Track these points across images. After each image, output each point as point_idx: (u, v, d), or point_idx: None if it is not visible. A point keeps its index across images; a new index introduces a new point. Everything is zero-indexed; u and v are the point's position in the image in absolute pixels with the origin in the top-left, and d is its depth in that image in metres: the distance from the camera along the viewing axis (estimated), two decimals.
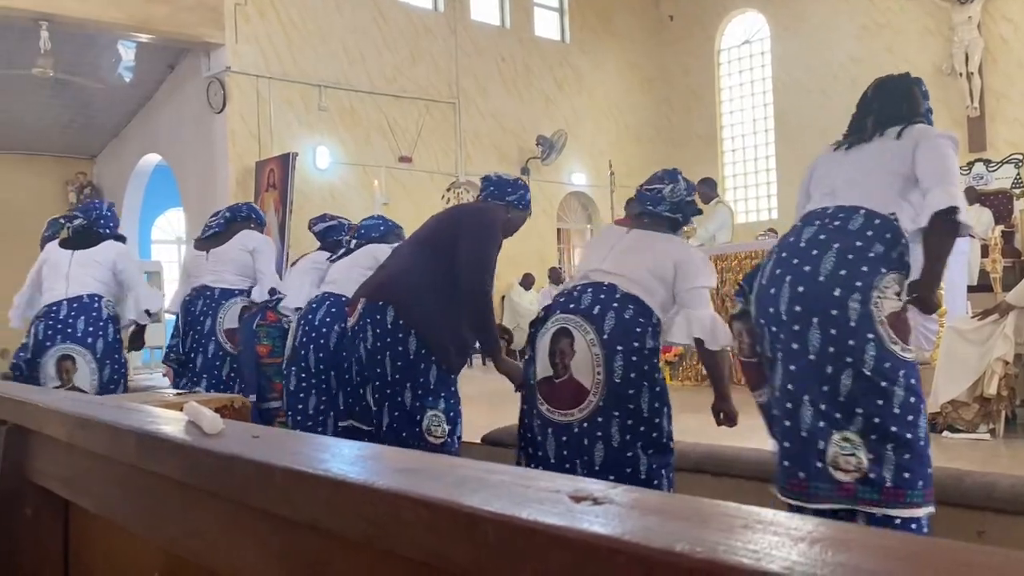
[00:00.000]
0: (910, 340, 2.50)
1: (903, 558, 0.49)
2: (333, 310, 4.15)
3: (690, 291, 2.94)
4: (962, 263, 6.17)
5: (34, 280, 4.72)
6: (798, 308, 2.52)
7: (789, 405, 2.56)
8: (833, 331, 2.46)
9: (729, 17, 14.92)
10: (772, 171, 14.39)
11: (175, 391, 3.77)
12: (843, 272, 2.47)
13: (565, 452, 2.87)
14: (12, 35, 9.77)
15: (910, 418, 2.46)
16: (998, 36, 11.91)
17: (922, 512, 2.45)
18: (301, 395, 4.18)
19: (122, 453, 1.21)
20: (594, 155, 13.96)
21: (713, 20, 14.98)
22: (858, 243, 2.50)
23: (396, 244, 4.12)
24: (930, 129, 2.66)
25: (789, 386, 2.56)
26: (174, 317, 5.06)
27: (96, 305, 4.52)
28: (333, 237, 4.72)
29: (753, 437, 3.95)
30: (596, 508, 0.61)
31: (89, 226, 4.72)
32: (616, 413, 2.79)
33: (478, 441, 4.34)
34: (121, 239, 4.86)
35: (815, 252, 2.54)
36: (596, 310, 2.85)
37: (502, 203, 3.55)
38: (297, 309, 4.43)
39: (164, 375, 5.94)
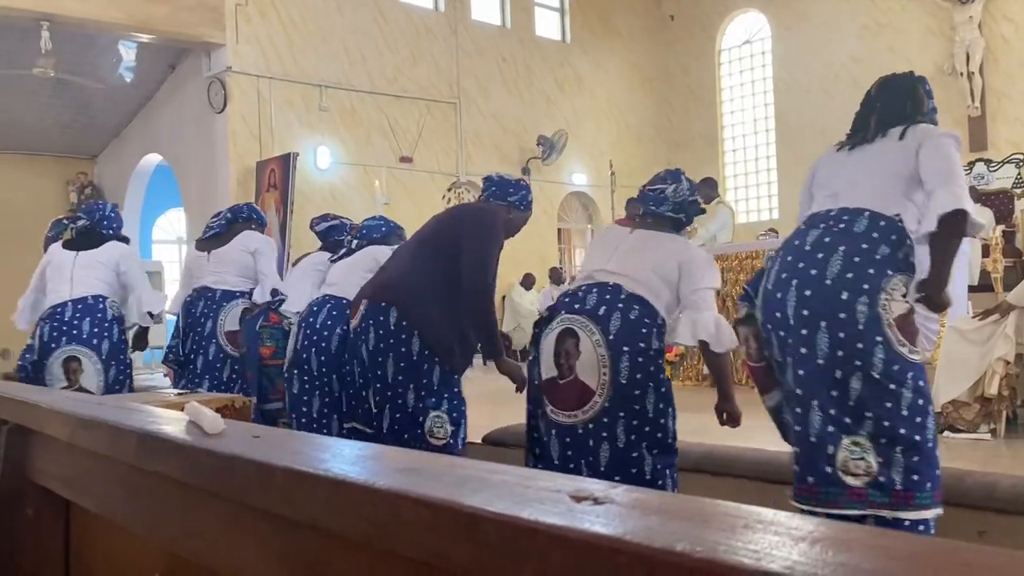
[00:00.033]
0: (916, 342, 2.50)
1: (904, 558, 0.49)
2: (334, 313, 4.13)
3: (694, 292, 2.93)
4: (963, 263, 6.16)
5: (38, 282, 4.72)
6: (805, 312, 2.51)
7: (799, 410, 2.55)
8: (841, 334, 2.45)
9: (730, 17, 14.92)
10: (773, 171, 14.39)
11: (176, 391, 3.77)
12: (850, 275, 2.46)
13: (569, 453, 2.86)
14: (13, 35, 9.78)
15: (918, 420, 2.45)
16: (999, 36, 11.91)
17: (930, 514, 2.45)
18: (304, 398, 4.16)
19: (123, 453, 1.21)
20: (595, 155, 13.96)
21: (714, 20, 14.98)
22: (864, 245, 2.49)
23: (396, 246, 4.10)
24: (933, 129, 2.64)
25: (798, 391, 2.55)
26: (175, 318, 5.06)
27: (101, 306, 4.52)
28: (335, 237, 4.71)
29: (754, 437, 3.95)
30: (597, 508, 0.61)
31: (92, 227, 4.73)
32: (622, 414, 2.78)
33: (479, 441, 4.34)
34: (124, 240, 4.86)
35: (821, 255, 2.52)
36: (602, 311, 2.84)
37: (504, 203, 3.54)
38: (298, 312, 4.42)
39: (165, 375, 5.94)
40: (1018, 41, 11.76)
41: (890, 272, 2.46)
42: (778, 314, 2.59)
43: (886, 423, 2.43)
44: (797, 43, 13.81)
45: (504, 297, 11.85)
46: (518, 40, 13.48)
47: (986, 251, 8.44)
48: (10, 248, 11.74)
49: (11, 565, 1.64)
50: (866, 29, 12.99)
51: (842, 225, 2.55)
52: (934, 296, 2.48)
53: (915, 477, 2.43)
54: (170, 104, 11.61)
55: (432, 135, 12.22)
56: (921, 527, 2.45)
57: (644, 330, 2.83)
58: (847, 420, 2.46)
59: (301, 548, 0.87)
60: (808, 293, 2.51)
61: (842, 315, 2.44)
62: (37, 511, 1.64)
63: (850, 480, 2.44)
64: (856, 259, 2.47)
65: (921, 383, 2.48)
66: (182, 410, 1.20)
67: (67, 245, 4.69)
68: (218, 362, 4.71)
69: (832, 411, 2.47)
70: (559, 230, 14.10)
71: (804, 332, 2.51)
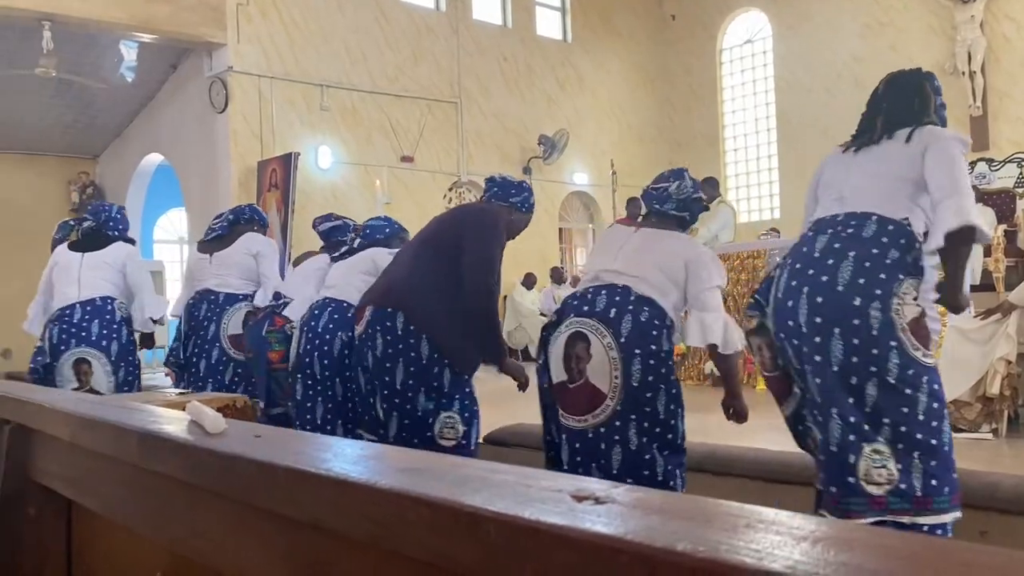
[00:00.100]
0: (930, 345, 2.48)
1: (905, 558, 0.49)
2: (335, 316, 4.11)
3: (702, 292, 2.91)
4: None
5: (46, 286, 4.72)
6: (818, 319, 2.48)
7: (820, 418, 2.54)
8: (856, 341, 2.43)
9: (731, 16, 14.91)
10: (774, 171, 14.38)
11: (178, 391, 3.77)
12: (861, 280, 2.44)
13: (578, 458, 2.84)
14: (14, 35, 9.78)
15: (934, 424, 2.44)
16: (1001, 35, 11.90)
17: (948, 518, 2.44)
18: (308, 404, 4.12)
19: (125, 453, 1.21)
20: (596, 155, 13.95)
21: (715, 19, 14.98)
22: (874, 250, 2.47)
23: (397, 249, 4.07)
24: (940, 132, 2.60)
25: (817, 399, 2.53)
26: (177, 319, 5.05)
27: (109, 307, 4.53)
28: (337, 237, 4.69)
29: (756, 437, 3.95)
30: (598, 508, 0.61)
31: (98, 228, 4.73)
32: (633, 416, 2.77)
33: (480, 441, 4.34)
34: (131, 242, 4.86)
35: (831, 261, 2.50)
36: (612, 313, 2.82)
37: (505, 204, 3.53)
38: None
39: (167, 375, 5.95)
40: (1020, 40, 11.75)
41: (901, 276, 2.44)
42: (790, 323, 2.56)
43: (903, 428, 2.42)
44: (798, 42, 13.81)
45: (506, 297, 11.84)
46: (519, 40, 13.48)
47: (988, 251, 8.43)
48: (12, 248, 11.76)
49: (13, 565, 1.64)
50: (867, 28, 12.98)
51: (850, 230, 2.53)
52: (951, 301, 2.49)
53: (933, 482, 2.42)
54: (171, 104, 11.61)
55: (433, 135, 12.22)
56: (939, 531, 2.43)
57: (655, 332, 2.82)
58: (865, 427, 2.44)
59: (304, 548, 0.87)
60: (820, 300, 2.48)
61: (855, 321, 2.42)
62: (39, 511, 1.64)
63: (873, 489, 2.42)
64: (867, 264, 2.45)
65: (936, 386, 2.46)
66: (184, 410, 1.20)
67: (73, 246, 4.69)
68: (221, 365, 4.71)
69: (851, 419, 2.44)
70: (560, 230, 14.09)
71: (818, 340, 2.49)
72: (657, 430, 2.80)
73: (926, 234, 2.53)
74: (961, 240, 2.42)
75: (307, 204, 10.17)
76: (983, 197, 10.03)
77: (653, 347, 2.80)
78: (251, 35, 10.60)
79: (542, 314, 11.40)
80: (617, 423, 2.78)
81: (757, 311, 2.76)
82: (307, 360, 4.11)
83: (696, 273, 2.92)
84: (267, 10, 10.77)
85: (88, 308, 4.47)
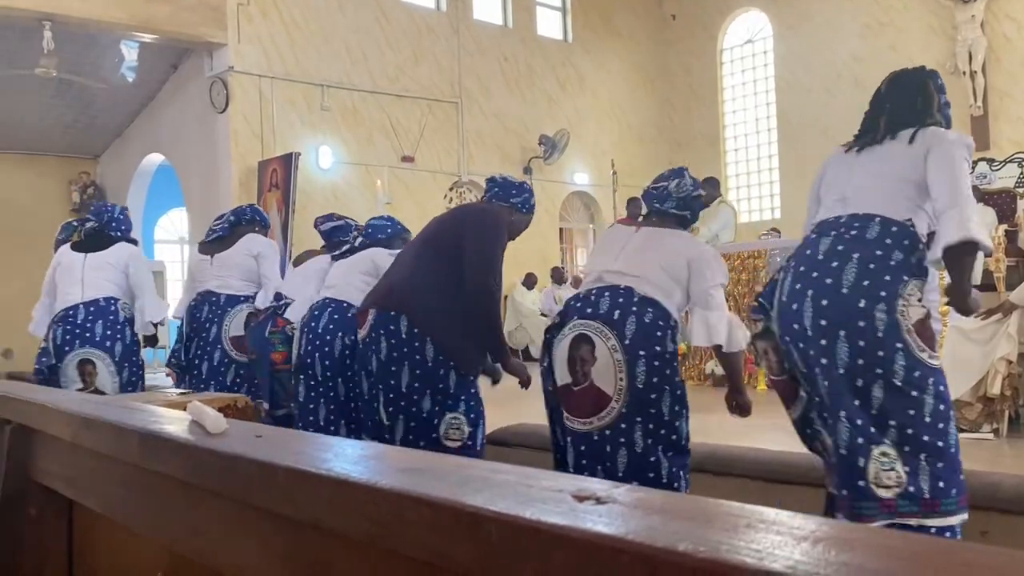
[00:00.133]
0: (935, 346, 2.47)
1: (905, 558, 0.49)
2: (335, 317, 4.10)
3: (705, 291, 2.91)
4: None
5: (49, 287, 4.72)
6: (823, 322, 2.47)
7: (830, 421, 2.53)
8: (861, 343, 2.41)
9: (732, 16, 14.91)
10: (775, 171, 14.38)
11: (179, 391, 3.77)
12: (866, 282, 2.42)
13: (584, 461, 2.84)
14: (15, 35, 9.79)
15: (941, 426, 2.43)
16: (1001, 35, 11.89)
17: (956, 520, 2.43)
18: (311, 405, 4.11)
19: (126, 453, 1.21)
20: (596, 155, 13.96)
21: (716, 19, 14.98)
22: (878, 252, 2.45)
23: (397, 250, 4.06)
24: (943, 134, 2.57)
25: (826, 401, 2.52)
26: (179, 320, 5.05)
27: (113, 308, 4.53)
28: (338, 237, 4.69)
29: (756, 437, 3.95)
30: (599, 508, 0.61)
31: (101, 228, 4.72)
32: (639, 419, 2.76)
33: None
34: (133, 242, 4.86)
35: (835, 264, 2.49)
36: (616, 315, 2.81)
37: (506, 205, 3.53)
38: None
39: (167, 375, 5.95)
40: (1020, 40, 11.75)
41: (906, 278, 2.43)
42: (795, 326, 2.55)
43: (910, 431, 2.41)
44: (799, 42, 13.81)
45: (506, 297, 11.84)
46: (520, 40, 13.48)
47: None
48: (12, 248, 11.77)
49: (14, 564, 1.64)
50: (868, 28, 12.98)
51: (854, 232, 2.52)
52: (960, 306, 2.51)
53: (941, 484, 2.41)
54: (172, 104, 11.62)
55: (434, 135, 12.22)
56: (947, 534, 2.42)
57: (659, 333, 2.81)
58: (872, 429, 2.43)
59: (303, 547, 0.88)
60: (825, 303, 2.47)
61: (861, 323, 2.41)
62: (40, 511, 1.64)
63: (882, 493, 2.41)
64: (871, 266, 2.44)
65: (942, 388, 2.45)
66: (185, 410, 1.20)
67: (76, 247, 4.69)
68: (223, 367, 4.71)
69: (858, 421, 2.43)
70: (561, 230, 14.10)
71: (823, 343, 2.47)
72: (662, 432, 2.79)
73: (931, 236, 2.52)
74: (963, 253, 2.41)
75: (308, 204, 10.17)
76: (984, 197, 10.02)
77: (657, 348, 2.79)
78: (252, 35, 10.61)
79: (543, 314, 11.40)
80: (622, 425, 2.77)
81: (762, 314, 2.75)
82: (308, 361, 4.11)
83: (699, 271, 2.91)
84: (268, 10, 10.77)
85: (92, 309, 4.47)
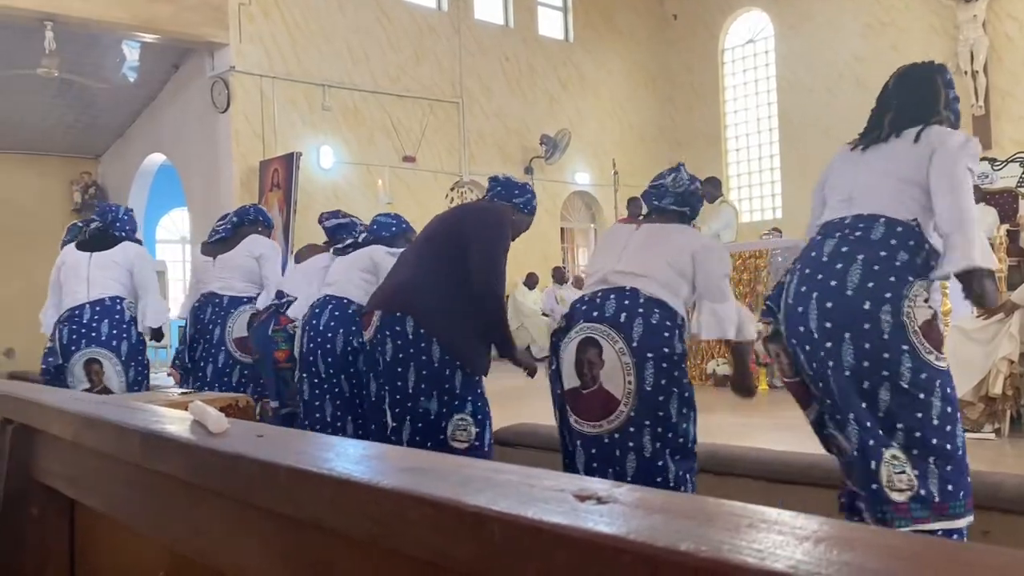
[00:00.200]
0: (942, 348, 2.46)
1: (906, 557, 0.49)
2: (336, 313, 4.10)
3: (712, 283, 2.90)
4: None
5: (55, 286, 4.72)
6: (828, 324, 2.46)
7: (841, 423, 2.52)
8: (866, 345, 2.40)
9: (733, 16, 14.91)
10: (776, 170, 14.38)
11: (180, 390, 3.77)
12: (871, 284, 2.41)
13: (595, 465, 2.83)
14: (16, 35, 9.79)
15: (948, 428, 2.42)
16: (1003, 34, 11.89)
17: (963, 523, 2.43)
18: (317, 403, 4.11)
19: (127, 452, 1.22)
20: (598, 154, 13.96)
21: (717, 19, 14.97)
22: (883, 253, 2.44)
23: (398, 249, 4.06)
24: (948, 138, 2.52)
25: (838, 403, 2.51)
26: (183, 321, 5.06)
27: (118, 308, 4.54)
28: (342, 235, 4.69)
29: (757, 437, 3.95)
30: (601, 507, 0.61)
31: (105, 228, 4.73)
32: (647, 422, 2.75)
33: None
34: (138, 243, 4.87)
35: (840, 265, 2.47)
36: (623, 317, 2.79)
37: (508, 204, 3.53)
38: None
39: (169, 375, 5.95)
40: (1022, 39, 11.74)
41: (911, 278, 2.41)
42: (801, 328, 2.54)
43: (917, 434, 2.39)
44: (800, 42, 13.80)
45: (508, 297, 11.84)
46: (521, 39, 13.48)
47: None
48: (13, 248, 11.78)
49: (16, 564, 1.64)
50: (869, 28, 12.97)
51: (858, 233, 2.50)
52: (977, 303, 2.51)
53: (950, 487, 2.40)
54: (173, 104, 11.63)
55: (435, 134, 12.22)
56: (955, 536, 2.41)
57: (667, 334, 2.79)
58: (880, 432, 2.42)
59: (305, 547, 0.88)
60: (829, 305, 2.46)
61: (866, 326, 2.39)
62: (42, 510, 1.65)
63: (896, 496, 2.39)
64: (876, 267, 2.42)
65: (949, 390, 2.44)
66: (186, 409, 1.20)
67: (80, 246, 4.69)
68: (227, 367, 4.73)
69: (867, 423, 2.42)
70: (562, 229, 14.10)
71: (829, 345, 2.46)
72: (670, 435, 2.78)
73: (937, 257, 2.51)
74: (970, 277, 2.41)
75: (309, 204, 10.18)
76: (985, 197, 10.02)
77: (666, 350, 2.77)
78: (253, 35, 10.61)
79: (544, 314, 11.41)
80: (631, 429, 2.75)
81: (771, 317, 2.73)
82: (311, 359, 4.11)
83: (705, 264, 2.89)
84: (269, 10, 10.78)
85: (97, 308, 4.48)
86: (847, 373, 2.44)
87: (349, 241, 4.39)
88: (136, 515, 1.30)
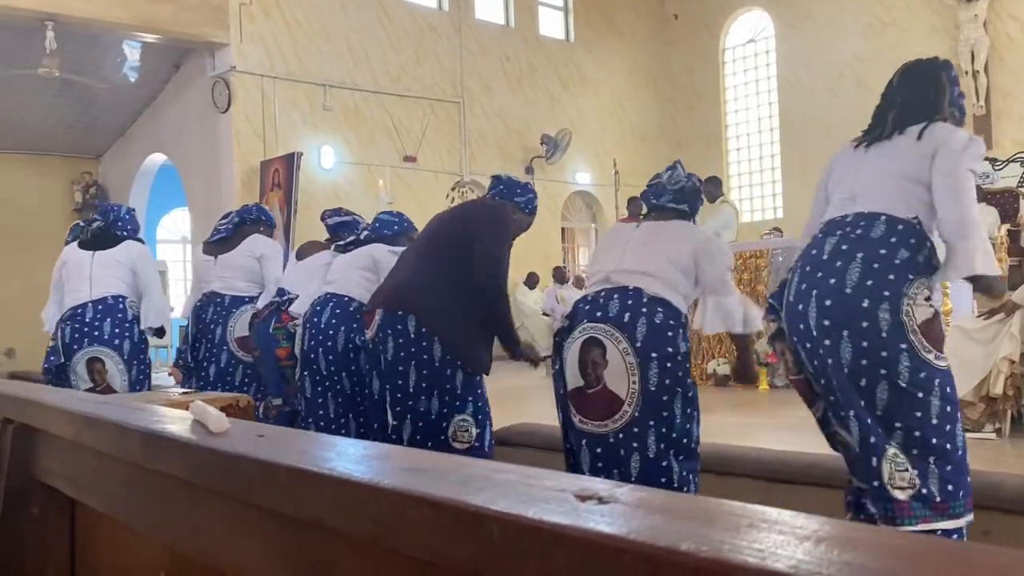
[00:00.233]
0: (943, 347, 2.46)
1: (907, 557, 0.49)
2: (337, 311, 4.10)
3: (716, 278, 2.90)
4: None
5: (57, 286, 4.72)
6: (827, 322, 2.46)
7: (844, 421, 2.52)
8: (864, 343, 2.40)
9: (734, 16, 14.91)
10: (777, 170, 14.38)
11: (181, 390, 3.78)
12: (870, 282, 2.41)
13: (600, 464, 2.83)
14: (17, 35, 9.80)
15: (947, 428, 2.42)
16: (1004, 34, 11.88)
17: (963, 522, 2.42)
18: (320, 400, 4.11)
19: (128, 452, 1.22)
20: (598, 154, 13.96)
21: (718, 19, 14.97)
22: (882, 251, 2.43)
23: (399, 248, 4.06)
24: (952, 138, 2.51)
25: (840, 401, 2.51)
26: (184, 321, 5.07)
27: (121, 306, 4.54)
28: (344, 232, 4.68)
29: (758, 437, 3.95)
30: (602, 507, 0.61)
31: (107, 228, 4.74)
32: (652, 422, 2.75)
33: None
34: (140, 242, 4.87)
35: (839, 263, 2.47)
36: (626, 317, 2.79)
37: (510, 204, 3.54)
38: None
39: (169, 374, 5.95)
40: (1023, 40, 11.74)
41: (911, 276, 2.41)
42: (801, 326, 2.54)
43: (917, 433, 2.39)
44: (801, 42, 13.80)
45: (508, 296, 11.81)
46: (522, 39, 13.48)
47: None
48: (14, 248, 11.78)
49: (17, 564, 1.64)
50: (870, 28, 12.97)
51: (859, 231, 2.50)
52: (986, 295, 2.55)
53: (950, 487, 2.39)
54: (174, 104, 11.63)
55: (436, 134, 12.22)
56: (955, 536, 2.41)
57: (670, 333, 2.79)
58: (879, 430, 2.42)
59: (305, 547, 0.88)
60: (828, 303, 2.46)
61: (864, 323, 2.39)
62: (43, 510, 1.65)
63: (897, 494, 2.39)
64: (875, 265, 2.42)
65: (949, 390, 2.43)
66: (187, 409, 1.20)
67: (83, 245, 4.70)
68: (230, 367, 4.73)
69: (868, 420, 2.42)
70: (563, 229, 14.10)
71: (827, 343, 2.46)
72: (674, 436, 2.78)
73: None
74: (973, 277, 2.45)
75: (310, 204, 10.18)
76: (986, 197, 10.02)
77: (670, 349, 2.77)
78: (254, 35, 10.61)
79: (545, 314, 11.40)
80: (635, 430, 2.75)
81: (774, 315, 2.73)
82: (312, 356, 4.11)
83: (707, 259, 2.90)
84: (270, 10, 10.78)
85: (100, 307, 4.49)
86: (845, 371, 2.44)
87: (351, 239, 4.39)
88: (137, 515, 1.30)
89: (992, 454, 3.88)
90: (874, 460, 2.42)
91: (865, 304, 2.40)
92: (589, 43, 14.32)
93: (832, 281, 2.47)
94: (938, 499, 2.39)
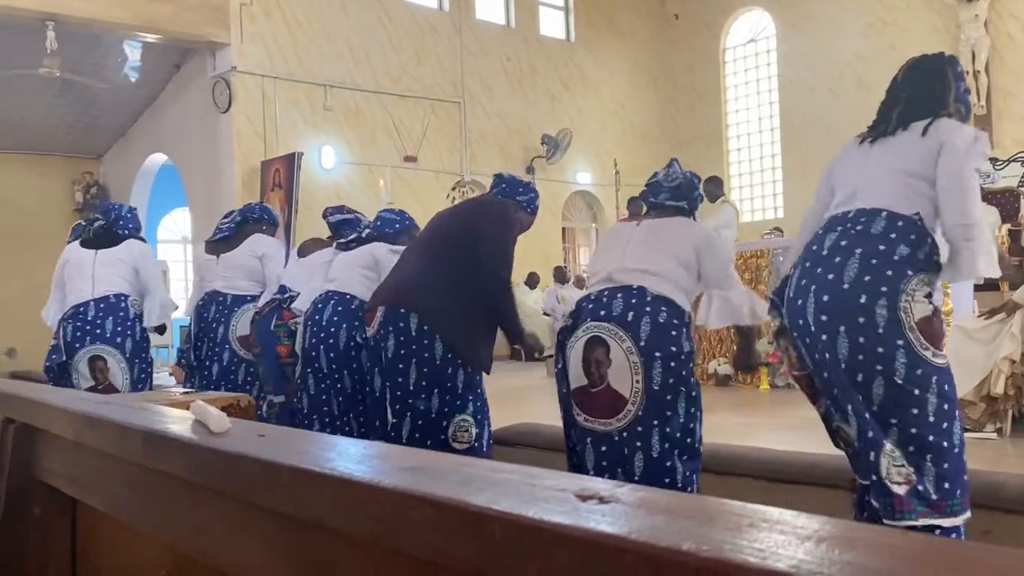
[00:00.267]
0: (941, 344, 2.45)
1: (908, 557, 0.49)
2: (339, 309, 4.11)
3: (720, 272, 2.92)
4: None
5: (58, 284, 4.73)
6: (824, 317, 2.46)
7: (844, 416, 2.52)
8: (861, 339, 2.39)
9: (735, 15, 14.91)
10: (778, 170, 14.37)
11: (183, 390, 3.78)
12: (867, 278, 2.40)
13: (604, 463, 2.82)
14: (18, 35, 9.80)
15: (944, 425, 2.41)
16: (1005, 34, 11.88)
17: (961, 520, 2.42)
18: (324, 397, 4.11)
19: (129, 452, 1.22)
20: (599, 154, 13.96)
21: (718, 19, 14.97)
22: (881, 247, 2.43)
23: (400, 246, 4.06)
24: (957, 133, 2.50)
25: (837, 395, 2.52)
26: (186, 320, 5.07)
27: (123, 305, 4.55)
28: (346, 230, 4.68)
29: (759, 437, 3.95)
30: (603, 507, 0.61)
31: (109, 227, 4.74)
32: (655, 422, 2.75)
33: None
34: (142, 240, 4.87)
35: (838, 259, 2.47)
36: (630, 316, 2.79)
37: (511, 201, 3.54)
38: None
39: (170, 374, 5.95)
40: None
41: (910, 272, 2.40)
42: (800, 321, 2.54)
43: (913, 430, 2.38)
44: (802, 41, 13.80)
45: None
46: (522, 39, 13.48)
47: None
48: (15, 247, 11.78)
49: (18, 564, 1.64)
50: (871, 27, 12.96)
51: (859, 227, 2.49)
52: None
53: (946, 485, 2.39)
54: (175, 104, 11.63)
55: (436, 134, 12.22)
56: (953, 535, 2.41)
57: (674, 332, 2.79)
58: (877, 426, 2.42)
59: (307, 547, 0.88)
60: (826, 298, 2.46)
61: (861, 319, 2.39)
62: (44, 510, 1.65)
63: (896, 488, 2.39)
64: (873, 261, 2.41)
65: (947, 387, 2.43)
66: (188, 409, 1.20)
67: (85, 244, 4.70)
68: (233, 366, 4.73)
69: (866, 415, 2.42)
70: (563, 229, 14.10)
71: (825, 338, 2.46)
72: (678, 435, 2.78)
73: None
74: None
75: (311, 204, 10.18)
76: (987, 196, 10.02)
77: (673, 348, 2.77)
78: (254, 35, 10.62)
79: (545, 313, 11.41)
80: (639, 429, 2.75)
81: (777, 311, 2.73)
82: (313, 354, 4.11)
83: (709, 254, 2.91)
84: (270, 10, 10.78)
85: (102, 305, 4.49)
86: (842, 366, 2.44)
87: (352, 236, 4.39)
88: (138, 515, 1.30)
89: (993, 454, 3.88)
90: (872, 455, 2.42)
91: (862, 299, 2.40)
92: (590, 43, 14.31)
93: (830, 276, 2.47)
94: (934, 497, 2.39)
